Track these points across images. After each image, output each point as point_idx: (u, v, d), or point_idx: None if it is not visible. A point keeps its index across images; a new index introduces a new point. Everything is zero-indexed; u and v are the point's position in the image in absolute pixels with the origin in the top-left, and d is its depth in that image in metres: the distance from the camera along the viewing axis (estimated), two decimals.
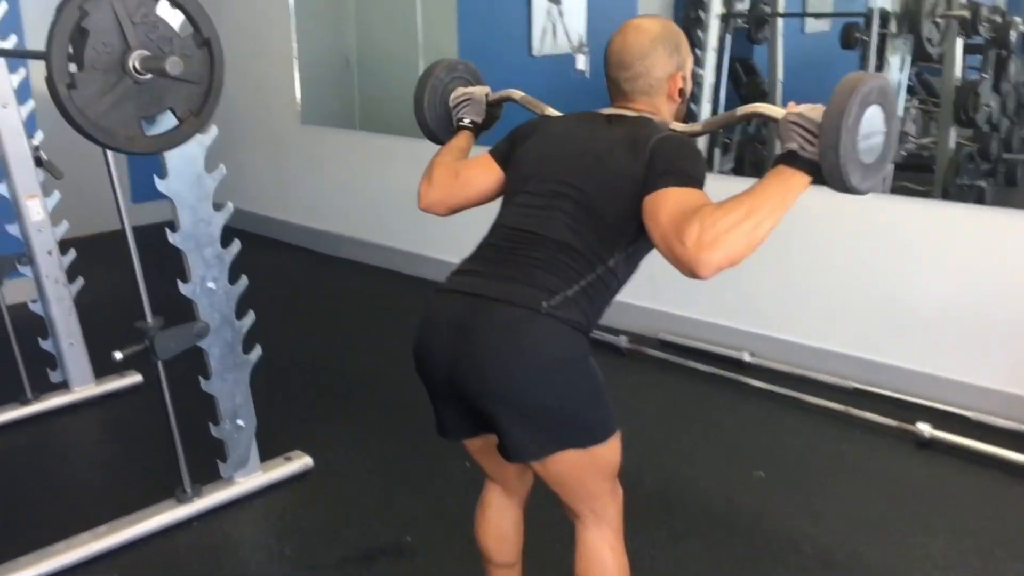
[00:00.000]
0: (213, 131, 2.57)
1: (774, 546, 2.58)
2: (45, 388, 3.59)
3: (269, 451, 3.01)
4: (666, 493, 2.88)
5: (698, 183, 1.64)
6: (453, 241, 5.11)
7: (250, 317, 2.80)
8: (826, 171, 1.53)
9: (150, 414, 2.76)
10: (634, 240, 1.73)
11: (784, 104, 1.62)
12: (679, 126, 1.83)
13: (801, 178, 1.56)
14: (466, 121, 2.10)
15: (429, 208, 1.98)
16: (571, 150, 1.81)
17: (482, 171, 1.94)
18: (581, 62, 4.61)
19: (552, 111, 2.03)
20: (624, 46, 1.84)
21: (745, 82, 5.51)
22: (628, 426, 1.85)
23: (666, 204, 1.59)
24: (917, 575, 2.45)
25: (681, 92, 1.87)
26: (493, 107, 2.13)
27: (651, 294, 4.13)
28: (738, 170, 5.16)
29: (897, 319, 3.50)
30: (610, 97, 1.91)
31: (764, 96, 5.35)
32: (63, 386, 3.62)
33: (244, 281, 2.76)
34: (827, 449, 3.16)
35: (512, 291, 1.68)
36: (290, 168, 5.97)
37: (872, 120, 1.54)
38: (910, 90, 5.46)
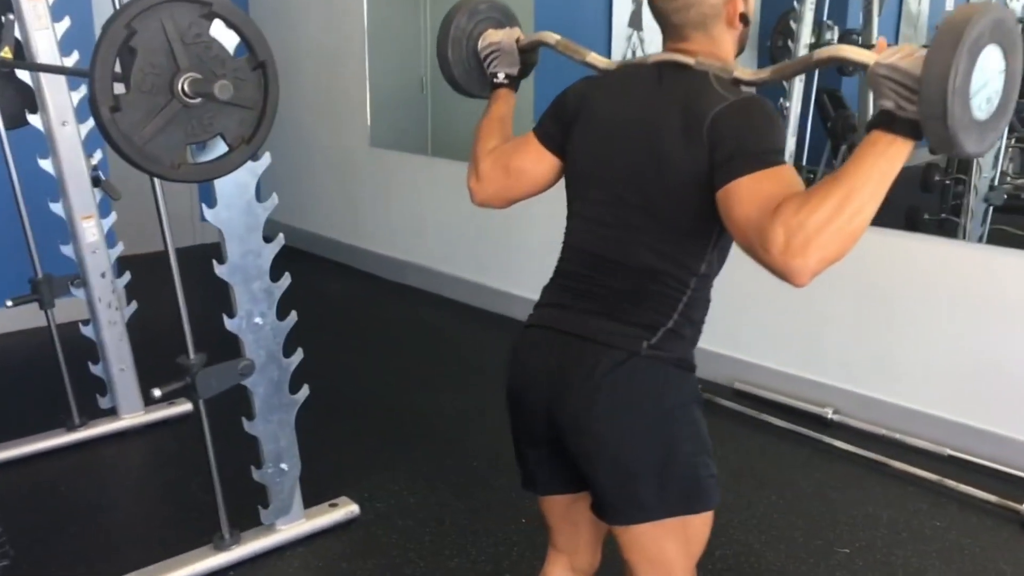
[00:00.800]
0: (266, 159, 2.42)
1: None
2: (94, 414, 3.48)
3: (314, 496, 2.84)
4: (739, 568, 2.63)
5: (772, 159, 1.36)
6: (520, 273, 5.06)
7: (298, 355, 2.64)
8: (933, 141, 1.23)
9: (197, 447, 2.61)
10: (720, 235, 1.50)
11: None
12: (745, 72, 1.52)
13: (902, 144, 1.25)
14: (500, 76, 1.85)
15: (485, 204, 1.79)
16: (624, 145, 1.54)
17: (533, 160, 1.71)
18: None
19: (596, 57, 1.75)
20: None
21: (833, 115, 5.26)
22: None
23: (740, 204, 1.33)
24: None
25: (743, 16, 1.55)
26: (526, 53, 1.89)
27: (727, 340, 3.89)
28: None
29: (999, 382, 3.19)
30: (662, 36, 1.61)
31: (853, 131, 5.11)
32: (111, 412, 3.50)
33: (293, 317, 2.60)
34: (919, 524, 2.87)
35: (605, 329, 1.51)
36: (359, 192, 5.86)
37: (986, 66, 1.23)
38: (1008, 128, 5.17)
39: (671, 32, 1.57)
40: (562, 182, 1.70)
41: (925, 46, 1.24)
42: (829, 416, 3.55)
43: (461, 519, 2.89)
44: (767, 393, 3.77)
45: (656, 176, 1.48)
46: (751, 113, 1.42)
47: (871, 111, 4.98)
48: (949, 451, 3.24)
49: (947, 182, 4.13)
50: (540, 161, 1.70)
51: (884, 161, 1.24)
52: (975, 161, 3.63)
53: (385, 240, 5.72)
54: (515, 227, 4.79)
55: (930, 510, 2.94)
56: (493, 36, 1.87)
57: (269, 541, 2.69)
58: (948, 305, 3.26)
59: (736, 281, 3.76)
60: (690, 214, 1.46)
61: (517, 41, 1.86)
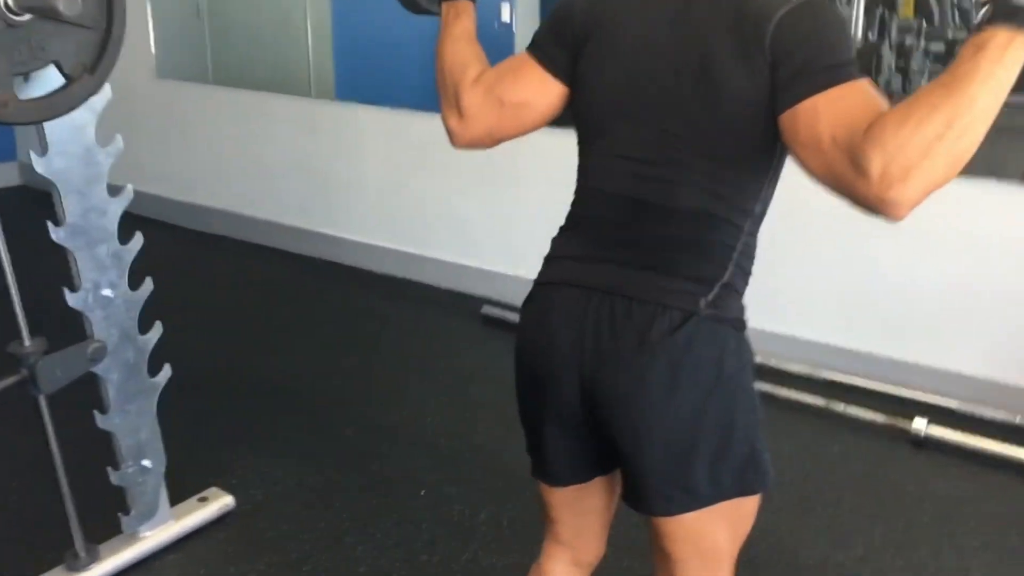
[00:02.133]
0: (107, 92, 1.94)
1: (771, 560, 2.26)
2: None
3: (177, 492, 2.42)
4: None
5: (850, 72, 1.14)
6: (351, 215, 4.67)
7: (156, 330, 2.21)
8: None
9: (41, 451, 2.12)
10: (777, 166, 1.29)
11: None
12: None
13: (1016, 48, 0.99)
14: None
15: (471, 146, 1.46)
16: (662, 66, 1.27)
17: (536, 90, 1.40)
18: (505, 12, 4.10)
19: None
20: None
21: None
22: None
23: (820, 125, 1.10)
24: None
25: None
26: None
27: None
28: None
29: (873, 304, 3.23)
30: None
31: None
32: None
33: (148, 285, 2.16)
34: (819, 453, 2.85)
35: (655, 285, 1.26)
36: (146, 130, 5.17)
37: None
38: None
39: None
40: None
41: None
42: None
43: (354, 498, 2.57)
44: None
45: (708, 103, 1.22)
46: (821, 18, 1.17)
47: None
48: (828, 375, 3.25)
49: None
50: (544, 90, 1.39)
51: (1000, 68, 0.98)
52: None
53: (183, 185, 5.13)
54: (341, 162, 4.41)
55: (825, 438, 2.93)
56: None
57: (134, 552, 2.26)
58: (823, 231, 3.24)
59: None
60: (749, 145, 1.23)
61: None
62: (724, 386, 1.27)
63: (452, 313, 3.94)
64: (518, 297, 4.08)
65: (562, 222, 1.42)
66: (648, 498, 1.33)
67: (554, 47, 1.38)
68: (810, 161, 1.13)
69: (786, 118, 1.15)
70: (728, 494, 1.31)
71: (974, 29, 1.02)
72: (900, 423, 2.90)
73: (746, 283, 1.32)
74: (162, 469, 2.29)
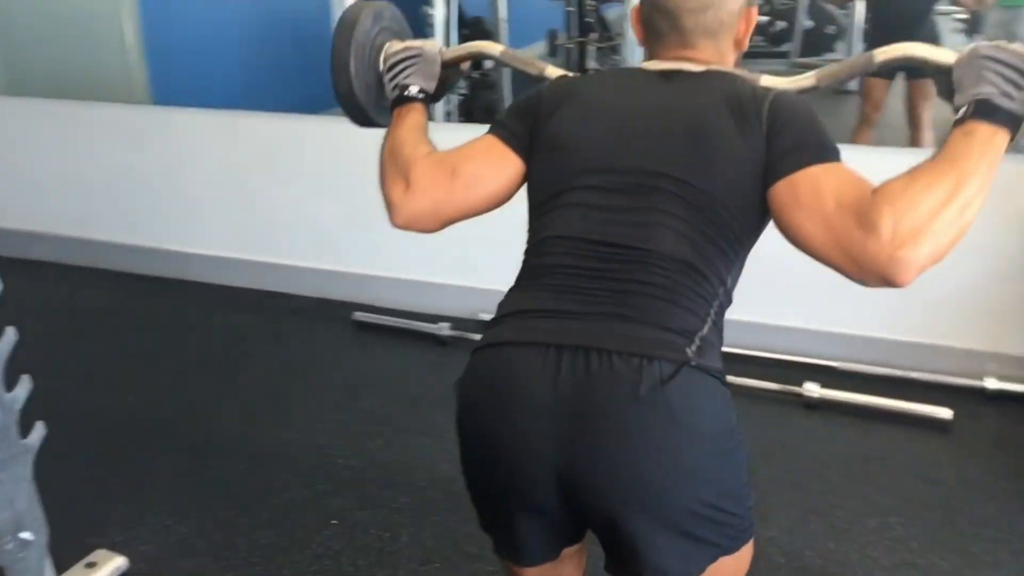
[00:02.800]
0: None
1: None
2: None
3: (62, 561, 2.15)
4: None
5: (838, 155, 1.19)
6: (190, 228, 4.34)
7: (25, 385, 1.93)
8: None
9: None
10: (751, 243, 1.27)
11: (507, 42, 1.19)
12: (777, 81, 1.33)
13: (1003, 137, 1.12)
14: (414, 90, 1.45)
15: (411, 224, 1.35)
16: (647, 125, 1.26)
17: (492, 163, 1.33)
18: None
19: (555, 69, 1.45)
20: None
21: (470, 20, 5.15)
22: None
23: (829, 184, 1.13)
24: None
25: (748, 37, 1.38)
26: (450, 69, 1.51)
27: (466, 271, 3.65)
28: (467, 116, 4.74)
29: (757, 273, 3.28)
30: (650, 44, 1.37)
31: (489, 35, 5.01)
32: None
33: (11, 336, 1.89)
34: None
35: (640, 337, 1.16)
36: None
37: None
38: (588, 27, 5.41)
39: (675, 39, 1.33)
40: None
41: None
42: None
43: (259, 537, 2.37)
44: None
45: (698, 153, 1.21)
46: (806, 106, 1.25)
47: (503, 15, 5.01)
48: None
49: None
50: (501, 165, 1.33)
51: (990, 150, 1.10)
52: None
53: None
54: (171, 171, 4.10)
55: (759, 431, 2.95)
56: (407, 42, 1.50)
57: None
58: None
59: (481, 218, 3.56)
60: (737, 206, 1.21)
61: (441, 52, 1.48)
62: (724, 441, 1.19)
63: (322, 322, 3.74)
64: (389, 300, 3.96)
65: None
66: (647, 568, 1.20)
67: (516, 122, 1.34)
68: (809, 225, 1.13)
69: (784, 185, 1.16)
70: (728, 549, 1.23)
71: (958, 119, 1.14)
72: (792, 388, 2.97)
73: (721, 344, 1.24)
74: (45, 540, 2.01)
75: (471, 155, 1.35)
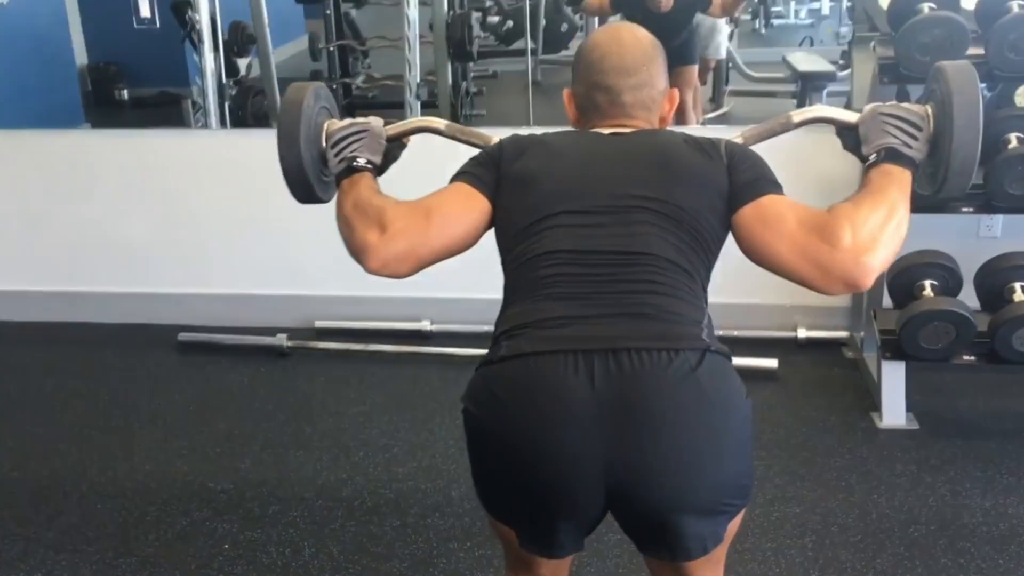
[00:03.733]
0: None
1: None
2: None
3: None
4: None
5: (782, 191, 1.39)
6: None
7: None
8: (948, 174, 1.36)
9: None
10: (716, 258, 1.39)
11: None
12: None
13: (910, 175, 1.35)
14: (361, 161, 1.47)
15: (387, 266, 1.36)
16: (615, 160, 1.38)
17: (462, 205, 1.39)
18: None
19: (498, 138, 1.53)
20: (624, 49, 1.48)
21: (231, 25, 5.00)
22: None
23: (790, 209, 1.32)
24: None
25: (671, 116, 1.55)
26: (393, 143, 1.55)
27: (296, 281, 3.61)
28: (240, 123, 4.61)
29: None
30: (588, 118, 1.49)
31: (252, 39, 4.89)
32: None
33: None
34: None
35: (662, 332, 1.24)
36: None
37: None
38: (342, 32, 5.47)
39: (615, 110, 1.47)
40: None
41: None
42: (428, 328, 3.50)
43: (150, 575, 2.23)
44: (351, 323, 3.56)
45: (673, 176, 1.36)
46: (753, 152, 1.43)
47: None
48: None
49: None
50: (472, 206, 1.39)
51: (904, 187, 1.33)
52: None
53: None
54: None
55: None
56: (353, 120, 1.53)
57: None
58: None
59: (303, 222, 3.48)
60: (709, 222, 1.34)
61: (384, 127, 1.52)
62: (745, 414, 1.29)
63: (143, 349, 3.50)
64: (213, 318, 3.81)
65: (500, 296, 1.39)
66: (680, 546, 1.28)
67: (480, 170, 1.42)
68: (777, 243, 1.29)
69: (749, 209, 1.32)
70: (737, 513, 1.34)
71: (870, 164, 1.37)
72: None
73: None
74: None
75: (442, 198, 1.40)
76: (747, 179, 1.35)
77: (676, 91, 1.54)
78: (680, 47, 4.34)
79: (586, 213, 1.32)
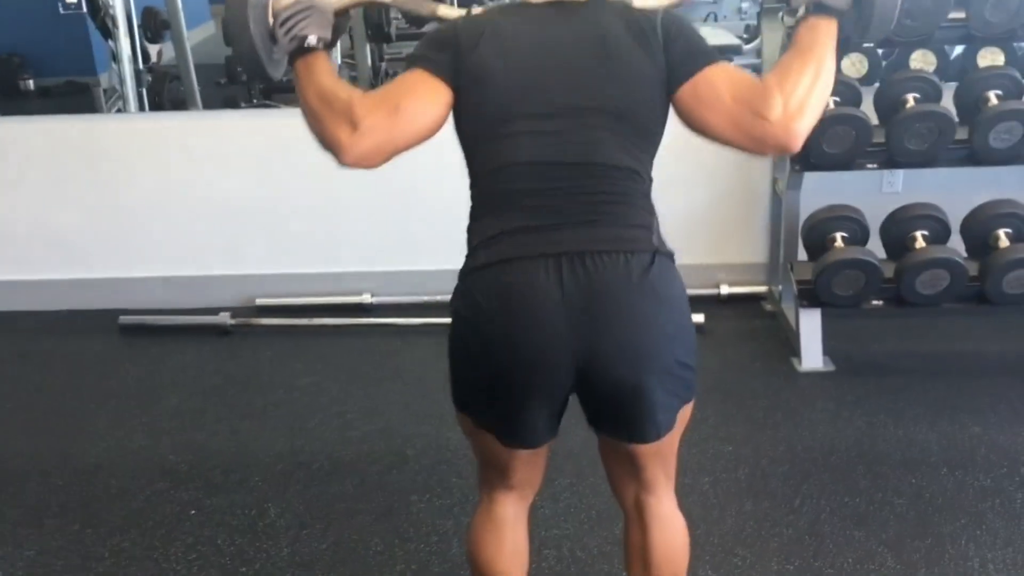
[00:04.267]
0: None
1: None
2: None
3: None
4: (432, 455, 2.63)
5: (721, 57, 1.46)
6: None
7: None
8: (874, 14, 1.44)
9: None
10: (661, 138, 1.50)
11: None
12: (649, 3, 1.52)
13: (835, 24, 1.43)
14: (312, 40, 1.46)
15: (361, 161, 1.41)
16: (564, 56, 1.43)
17: (428, 96, 1.43)
18: None
19: (447, 8, 1.58)
20: None
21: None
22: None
23: (723, 84, 1.41)
24: None
25: None
26: (340, 18, 1.57)
27: (234, 260, 3.66)
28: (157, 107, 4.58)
29: None
30: None
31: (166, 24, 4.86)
32: None
33: None
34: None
35: (616, 236, 1.38)
36: None
37: None
38: None
39: None
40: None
41: None
42: (369, 300, 3.60)
43: (120, 543, 2.30)
44: (291, 299, 3.64)
45: (616, 78, 1.42)
46: (687, 21, 1.49)
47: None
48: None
49: None
50: (436, 97, 1.42)
51: (830, 39, 1.41)
52: None
53: None
54: None
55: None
56: None
57: None
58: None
59: (237, 200, 3.55)
60: (653, 115, 1.45)
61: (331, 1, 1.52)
62: (686, 307, 1.46)
63: (84, 334, 3.52)
64: (153, 301, 3.83)
65: (468, 210, 1.48)
66: (639, 427, 1.45)
67: (439, 55, 1.43)
68: (714, 118, 1.40)
69: (687, 88, 1.42)
70: (689, 397, 1.50)
71: (799, 18, 1.45)
72: None
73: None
74: None
75: (407, 90, 1.44)
76: (681, 56, 1.42)
77: None
78: None
79: (545, 118, 1.41)
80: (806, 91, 1.37)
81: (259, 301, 3.64)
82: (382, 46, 5.05)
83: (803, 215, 3.12)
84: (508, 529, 1.63)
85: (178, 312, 3.56)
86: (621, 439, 1.50)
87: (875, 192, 3.37)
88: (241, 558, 2.24)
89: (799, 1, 1.46)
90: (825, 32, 1.42)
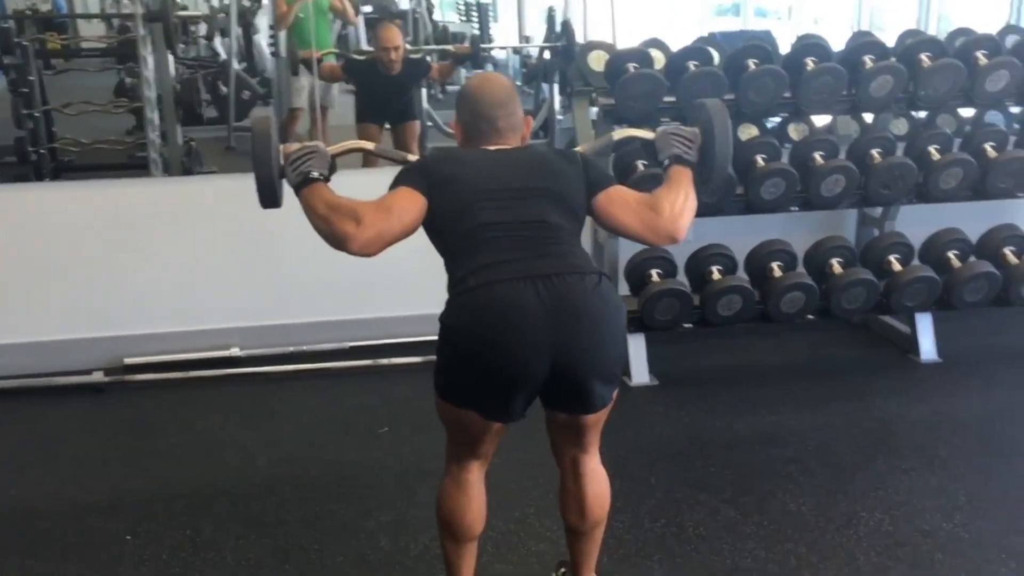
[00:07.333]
0: None
1: None
2: None
3: None
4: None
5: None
6: None
7: None
8: (712, 169, 2.08)
9: None
10: (582, 229, 2.06)
11: None
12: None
13: (690, 172, 2.07)
14: (315, 174, 1.97)
15: (365, 248, 1.89)
16: (514, 164, 2.00)
17: (412, 203, 1.94)
18: None
19: (413, 156, 2.15)
20: (493, 89, 2.09)
21: None
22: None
23: (629, 194, 2.05)
24: None
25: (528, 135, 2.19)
26: (334, 160, 2.05)
27: (106, 322, 3.84)
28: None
29: (367, 280, 3.95)
30: (473, 141, 2.07)
31: None
32: None
33: None
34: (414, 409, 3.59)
35: (574, 263, 1.90)
36: None
37: None
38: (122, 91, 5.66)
39: (494, 134, 2.05)
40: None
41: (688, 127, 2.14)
42: (236, 353, 3.86)
43: None
44: (164, 356, 3.83)
45: (554, 175, 2.00)
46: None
47: None
48: (349, 343, 3.94)
49: None
50: (416, 204, 1.93)
51: (688, 178, 2.05)
52: None
53: None
54: None
55: (409, 391, 3.59)
56: (304, 143, 2.00)
57: None
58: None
59: (100, 264, 3.72)
60: (579, 203, 2.01)
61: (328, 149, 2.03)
62: (623, 313, 1.97)
63: None
64: (17, 368, 3.83)
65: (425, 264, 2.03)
66: (590, 402, 1.93)
67: (417, 178, 1.97)
68: (624, 215, 2.01)
69: (602, 196, 2.03)
70: (618, 383, 2.02)
71: (665, 167, 2.09)
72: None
73: None
74: None
75: (397, 199, 1.94)
76: (597, 177, 2.04)
77: (531, 118, 2.19)
78: (406, 105, 5.10)
79: (501, 199, 1.93)
80: (682, 203, 2.00)
81: (127, 360, 3.80)
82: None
83: (621, 260, 3.74)
84: (474, 490, 2.06)
85: (47, 375, 3.66)
86: (574, 413, 1.98)
87: None
88: (189, 567, 2.49)
89: (664, 155, 2.10)
90: (685, 174, 2.06)
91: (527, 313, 1.81)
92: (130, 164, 4.90)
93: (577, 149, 2.20)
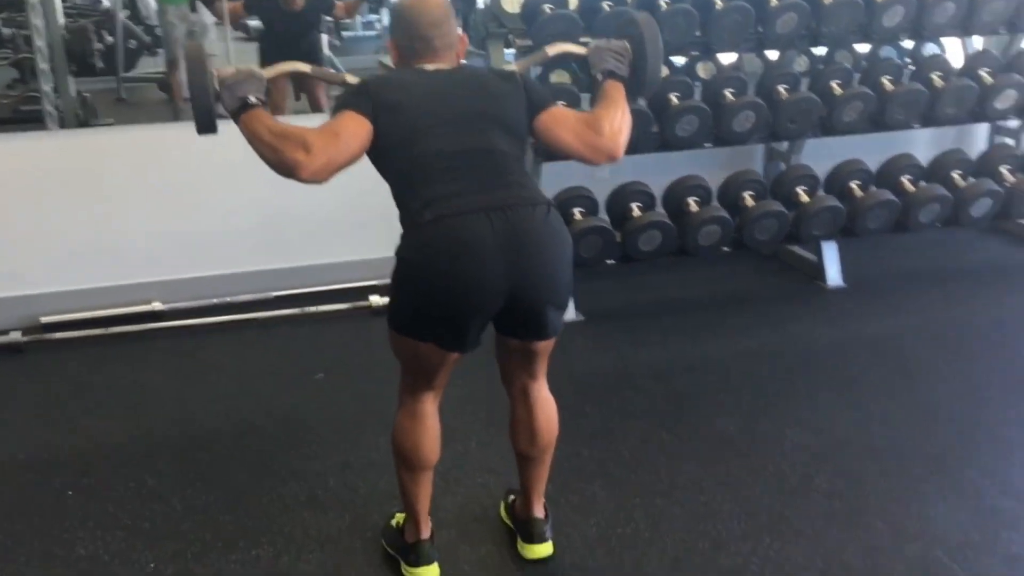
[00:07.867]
0: None
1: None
2: None
3: None
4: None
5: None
6: None
7: None
8: (644, 84, 2.14)
9: None
10: (526, 150, 2.13)
11: None
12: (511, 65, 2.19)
13: (623, 87, 2.12)
14: (253, 99, 1.94)
15: (315, 176, 1.86)
16: (456, 87, 2.01)
17: (359, 127, 1.92)
18: None
19: (351, 76, 2.12)
20: (430, 8, 2.07)
21: None
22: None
23: (569, 114, 2.08)
24: None
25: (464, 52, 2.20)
26: (270, 83, 2.03)
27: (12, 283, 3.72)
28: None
29: (283, 229, 3.95)
30: (408, 60, 2.08)
31: None
32: None
33: None
34: (357, 356, 3.60)
35: (524, 194, 1.94)
36: None
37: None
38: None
39: (430, 52, 2.05)
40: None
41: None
42: (157, 307, 3.80)
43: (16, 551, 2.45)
44: (83, 314, 3.74)
45: (496, 99, 2.02)
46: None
47: None
48: (274, 293, 3.92)
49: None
50: (363, 129, 1.92)
51: (622, 92, 2.10)
52: None
53: None
54: None
55: (339, 336, 3.64)
56: (238, 67, 1.97)
57: None
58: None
59: (15, 222, 3.61)
60: (521, 125, 2.04)
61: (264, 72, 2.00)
62: (570, 241, 2.02)
63: None
64: None
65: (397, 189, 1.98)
66: (544, 328, 2.01)
67: (360, 101, 1.95)
68: (565, 134, 2.03)
69: (544, 116, 2.05)
70: (566, 310, 2.10)
71: (599, 81, 2.13)
72: (360, 304, 3.80)
73: None
74: None
75: (343, 123, 1.92)
76: (539, 97, 2.06)
77: (466, 36, 2.19)
78: (310, 47, 4.98)
79: (447, 123, 1.95)
80: (619, 120, 2.03)
81: (44, 319, 3.70)
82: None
83: None
84: (429, 420, 2.12)
85: None
86: (528, 339, 2.05)
87: (589, 178, 4.13)
88: (139, 516, 2.49)
89: (598, 70, 2.15)
90: (619, 90, 2.11)
91: (485, 246, 1.86)
92: (16, 119, 4.74)
93: (513, 67, 2.22)
